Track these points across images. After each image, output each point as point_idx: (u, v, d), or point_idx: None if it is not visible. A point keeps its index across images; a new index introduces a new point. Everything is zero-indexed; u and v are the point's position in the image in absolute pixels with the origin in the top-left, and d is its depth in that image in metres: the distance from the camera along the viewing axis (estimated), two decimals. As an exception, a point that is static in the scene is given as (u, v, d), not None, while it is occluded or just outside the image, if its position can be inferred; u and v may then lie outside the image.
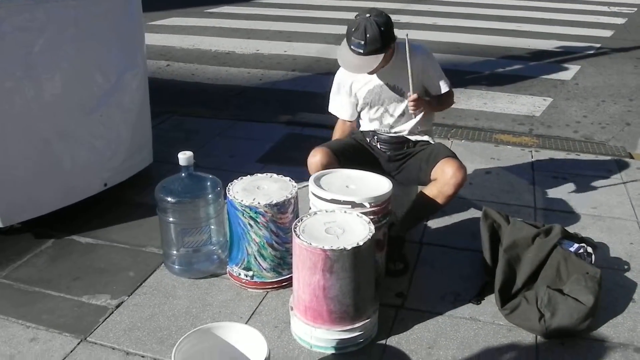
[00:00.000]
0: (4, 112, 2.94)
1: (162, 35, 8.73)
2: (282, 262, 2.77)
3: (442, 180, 2.85)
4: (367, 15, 2.78)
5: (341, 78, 3.15)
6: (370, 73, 2.94)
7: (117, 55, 3.45)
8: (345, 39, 2.86)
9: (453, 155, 2.95)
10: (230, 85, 6.40)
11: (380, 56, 2.80)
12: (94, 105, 3.34)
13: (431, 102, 3.02)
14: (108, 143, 3.47)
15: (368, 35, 2.73)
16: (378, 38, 2.74)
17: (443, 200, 2.88)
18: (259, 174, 2.92)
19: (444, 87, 3.04)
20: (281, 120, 5.06)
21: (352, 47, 2.80)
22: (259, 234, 2.68)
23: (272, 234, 2.69)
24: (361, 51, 2.78)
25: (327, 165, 2.92)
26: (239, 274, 2.80)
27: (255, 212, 2.63)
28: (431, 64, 2.99)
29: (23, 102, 3.00)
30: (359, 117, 3.24)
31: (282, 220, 2.69)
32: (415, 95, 2.85)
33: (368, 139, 3.18)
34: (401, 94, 3.01)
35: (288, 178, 2.87)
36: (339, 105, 3.21)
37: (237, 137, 4.69)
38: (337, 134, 3.26)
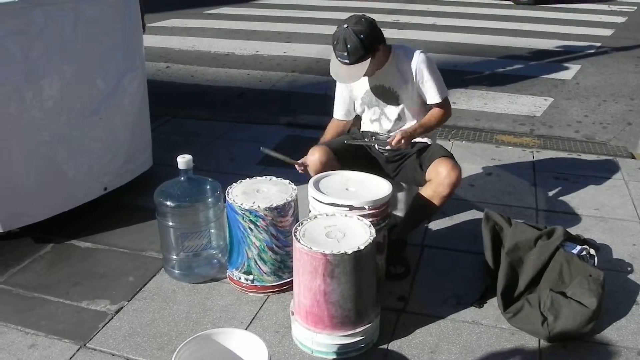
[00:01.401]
0: (3, 118, 2.92)
1: (161, 37, 8.71)
2: (283, 265, 2.75)
3: (436, 181, 2.84)
4: (345, 25, 2.78)
5: (341, 84, 3.15)
6: (368, 75, 2.93)
7: (116, 57, 3.43)
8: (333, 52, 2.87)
9: (448, 155, 2.93)
10: (230, 87, 6.38)
11: (367, 62, 2.79)
12: (93, 108, 3.32)
13: (415, 132, 2.95)
14: (108, 146, 3.45)
15: (349, 46, 2.74)
16: (359, 47, 2.74)
17: (439, 201, 2.86)
18: (258, 177, 2.91)
19: (433, 98, 2.96)
20: (281, 122, 5.04)
21: (338, 59, 2.82)
22: (259, 238, 2.66)
23: (273, 238, 2.67)
24: (347, 62, 2.79)
25: (326, 163, 2.91)
26: (239, 278, 2.78)
27: (255, 216, 2.61)
28: (424, 70, 2.91)
29: (22, 106, 2.98)
30: (359, 118, 3.22)
31: (282, 223, 2.67)
32: (397, 139, 2.87)
33: (367, 139, 3.17)
34: (396, 97, 2.99)
35: (287, 181, 2.85)
36: (336, 103, 3.22)
37: (237, 140, 4.67)
38: (329, 133, 3.22)
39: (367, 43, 2.76)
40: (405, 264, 2.96)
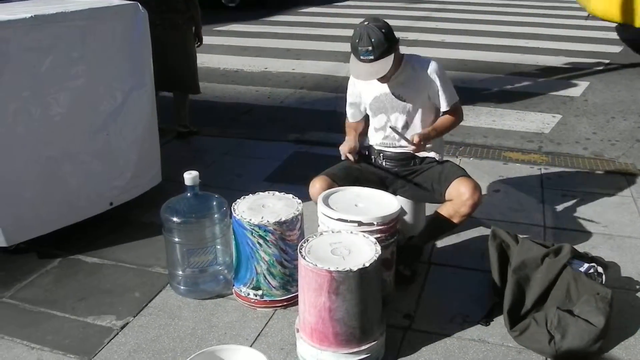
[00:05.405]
0: (10, 132, 2.96)
1: (171, 54, 8.74)
2: (291, 279, 2.75)
3: (458, 201, 2.87)
4: (366, 22, 2.81)
5: (351, 88, 3.20)
6: (383, 80, 2.94)
7: (125, 73, 3.46)
8: (352, 54, 2.87)
9: (467, 175, 2.96)
10: (239, 104, 6.41)
11: (391, 57, 2.81)
12: (100, 124, 3.35)
13: (430, 135, 2.99)
14: (114, 162, 3.47)
15: (373, 40, 2.76)
16: (383, 40, 2.77)
17: (459, 219, 2.91)
18: (261, 193, 2.92)
19: (444, 105, 3.01)
20: (289, 138, 5.05)
21: (361, 57, 2.82)
22: (269, 252, 2.67)
23: (282, 252, 2.68)
24: (372, 57, 2.79)
25: None
26: (248, 294, 2.78)
27: (265, 231, 2.62)
28: (437, 79, 2.97)
29: (30, 121, 3.01)
30: (367, 125, 3.25)
31: (290, 237, 2.68)
32: (417, 140, 2.88)
33: (374, 157, 3.17)
34: (404, 105, 3.02)
35: (291, 195, 2.87)
36: (347, 106, 3.27)
37: (245, 156, 4.68)
38: (349, 133, 3.24)
39: (390, 38, 2.80)
40: (414, 269, 2.99)
